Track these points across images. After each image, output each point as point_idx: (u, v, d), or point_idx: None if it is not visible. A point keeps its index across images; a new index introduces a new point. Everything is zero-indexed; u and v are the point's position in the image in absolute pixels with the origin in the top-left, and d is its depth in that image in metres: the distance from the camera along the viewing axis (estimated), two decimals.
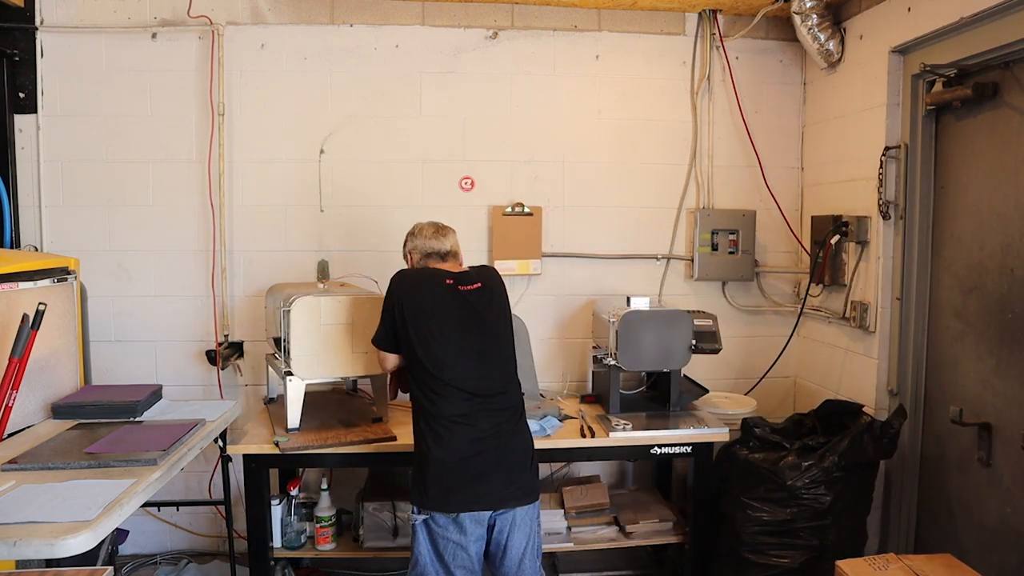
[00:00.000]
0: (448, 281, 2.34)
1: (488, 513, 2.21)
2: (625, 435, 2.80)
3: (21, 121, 3.28)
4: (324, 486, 2.96)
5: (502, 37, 3.46)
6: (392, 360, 2.43)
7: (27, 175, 3.29)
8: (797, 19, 3.21)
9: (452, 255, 2.47)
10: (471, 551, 2.20)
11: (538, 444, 2.74)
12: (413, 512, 2.24)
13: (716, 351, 3.10)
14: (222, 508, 3.03)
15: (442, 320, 2.27)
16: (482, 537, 2.23)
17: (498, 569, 2.29)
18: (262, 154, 3.38)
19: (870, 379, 3.09)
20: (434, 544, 2.21)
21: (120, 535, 3.23)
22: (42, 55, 3.27)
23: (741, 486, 2.82)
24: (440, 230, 2.49)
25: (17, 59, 3.23)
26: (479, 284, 2.37)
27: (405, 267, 2.53)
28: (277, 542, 2.88)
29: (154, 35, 3.30)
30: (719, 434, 2.85)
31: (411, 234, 2.54)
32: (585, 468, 3.59)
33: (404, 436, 2.72)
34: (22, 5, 3.19)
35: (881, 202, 2.98)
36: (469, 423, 2.21)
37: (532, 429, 2.62)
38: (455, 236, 2.52)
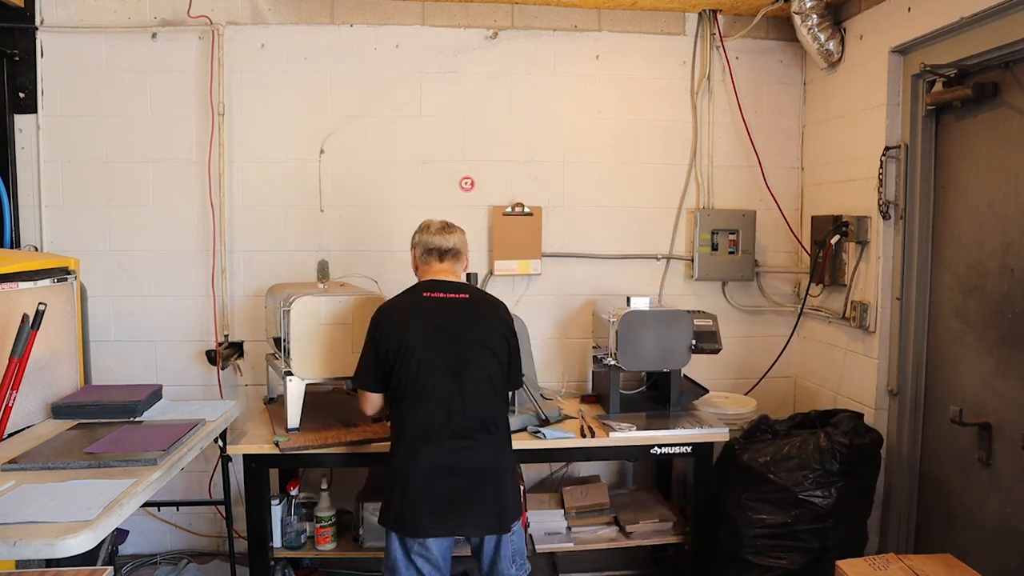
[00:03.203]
0: (425, 293, 2.34)
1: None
2: (625, 435, 2.80)
3: (21, 121, 3.28)
4: (324, 486, 2.96)
5: (502, 37, 3.45)
6: (375, 401, 2.40)
7: (27, 175, 3.29)
8: (797, 19, 3.21)
9: (453, 254, 2.44)
10: (435, 553, 2.28)
11: (538, 444, 2.76)
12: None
13: (716, 351, 3.10)
14: (222, 508, 3.03)
15: (415, 329, 2.27)
16: (448, 546, 2.31)
17: (477, 562, 2.37)
18: (262, 154, 3.38)
19: (870, 379, 3.09)
20: (405, 548, 2.28)
21: (120, 535, 3.23)
22: (42, 55, 3.27)
23: (741, 487, 2.82)
24: (447, 228, 2.46)
25: (17, 59, 3.23)
26: (467, 296, 2.36)
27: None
28: (277, 542, 2.88)
29: (154, 35, 3.30)
30: (719, 434, 2.85)
31: (419, 228, 2.52)
32: (585, 468, 3.59)
33: None
34: (22, 5, 3.19)
35: (881, 202, 2.98)
36: (438, 440, 2.23)
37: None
38: (462, 236, 2.49)
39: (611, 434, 2.80)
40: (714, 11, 3.50)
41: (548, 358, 3.56)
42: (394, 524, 2.23)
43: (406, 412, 2.26)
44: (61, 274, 2.72)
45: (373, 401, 2.39)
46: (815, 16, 3.18)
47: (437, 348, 2.25)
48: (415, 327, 2.27)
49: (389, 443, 2.35)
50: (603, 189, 3.56)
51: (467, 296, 2.36)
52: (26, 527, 1.69)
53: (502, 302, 2.45)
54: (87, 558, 2.10)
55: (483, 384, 2.28)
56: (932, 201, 2.90)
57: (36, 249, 3.29)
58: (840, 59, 3.29)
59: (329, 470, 3.15)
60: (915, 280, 2.94)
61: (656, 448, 2.82)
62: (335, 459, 2.74)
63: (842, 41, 3.26)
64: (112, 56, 3.30)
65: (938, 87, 2.79)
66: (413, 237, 2.53)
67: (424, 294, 2.34)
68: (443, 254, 2.43)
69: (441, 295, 2.33)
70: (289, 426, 2.70)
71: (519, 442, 2.64)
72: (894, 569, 2.31)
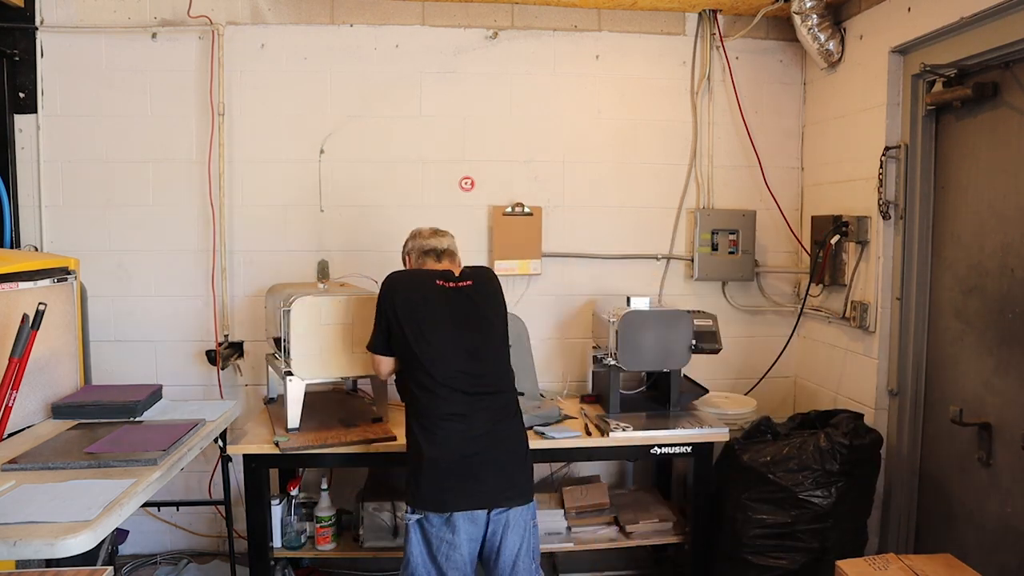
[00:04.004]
0: (438, 281, 2.37)
1: (482, 513, 2.21)
2: (625, 435, 2.80)
3: (21, 121, 3.28)
4: (324, 486, 2.96)
5: (502, 37, 3.45)
6: (387, 364, 2.43)
7: (27, 175, 3.29)
8: (797, 19, 3.21)
9: (448, 254, 2.52)
10: (464, 551, 2.20)
11: (538, 444, 2.76)
12: (407, 512, 2.24)
13: (716, 351, 3.10)
14: (222, 508, 3.03)
15: (433, 317, 2.30)
16: (475, 538, 2.23)
17: (492, 571, 2.28)
18: (262, 154, 3.38)
19: (870, 379, 3.09)
20: (427, 544, 2.21)
21: (120, 535, 3.23)
22: (42, 55, 3.27)
23: (741, 487, 2.82)
24: (438, 232, 2.57)
25: (17, 59, 3.23)
26: (471, 282, 2.41)
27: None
28: (277, 542, 2.88)
29: (154, 35, 3.30)
30: (719, 434, 2.85)
31: (410, 236, 2.60)
32: (585, 468, 3.59)
33: (404, 436, 2.72)
34: (22, 5, 3.19)
35: (881, 202, 2.98)
36: (464, 422, 2.22)
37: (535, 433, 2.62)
38: (453, 239, 2.58)
39: (611, 434, 2.80)
40: (714, 11, 3.50)
41: (548, 358, 3.56)
42: (418, 502, 2.20)
43: (421, 382, 2.26)
44: (61, 274, 2.72)
45: (387, 364, 2.43)
46: (815, 16, 3.18)
47: (454, 327, 2.30)
48: (428, 305, 2.32)
49: (405, 427, 2.34)
50: (603, 189, 3.56)
51: (471, 283, 2.41)
52: (26, 527, 1.69)
53: (486, 267, 2.58)
54: (87, 558, 2.10)
55: (499, 350, 2.37)
56: (932, 201, 2.90)
57: (36, 249, 3.29)
58: (840, 59, 3.29)
59: (329, 470, 3.15)
60: (915, 280, 2.94)
61: (656, 448, 2.82)
62: (335, 459, 2.74)
63: (842, 41, 3.26)
64: (112, 56, 3.30)
65: (938, 87, 2.79)
66: (405, 245, 2.60)
67: (437, 282, 2.37)
68: (440, 254, 2.50)
69: (451, 284, 2.38)
70: (289, 426, 2.70)
71: None
72: (894, 569, 2.31)
